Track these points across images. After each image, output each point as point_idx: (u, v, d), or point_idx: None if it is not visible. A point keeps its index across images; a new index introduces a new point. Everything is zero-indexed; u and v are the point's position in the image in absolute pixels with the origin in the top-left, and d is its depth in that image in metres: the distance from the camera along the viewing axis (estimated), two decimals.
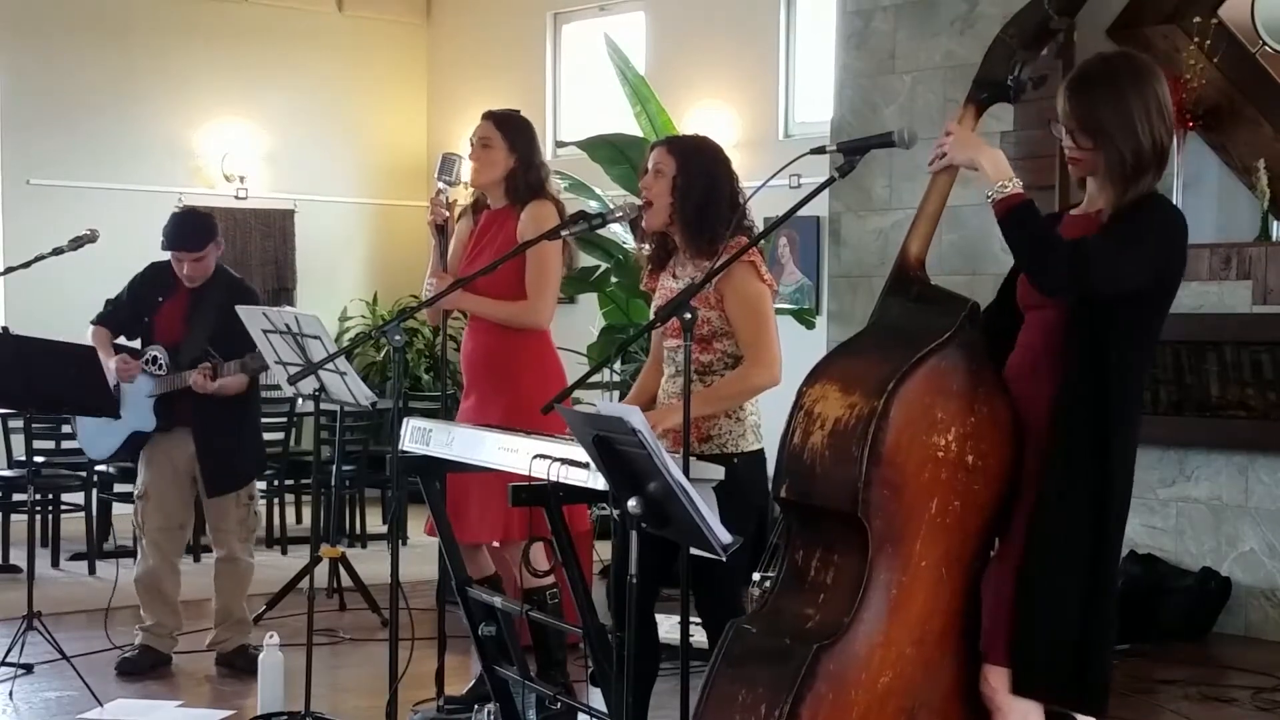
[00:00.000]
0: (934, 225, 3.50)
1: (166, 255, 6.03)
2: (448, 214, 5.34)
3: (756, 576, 3.55)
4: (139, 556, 6.11)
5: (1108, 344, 3.26)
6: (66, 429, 8.36)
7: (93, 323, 6.11)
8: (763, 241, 4.24)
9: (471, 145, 5.31)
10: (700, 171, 4.30)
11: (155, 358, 5.94)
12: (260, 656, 5.38)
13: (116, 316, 6.11)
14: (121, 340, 6.12)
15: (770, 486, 3.57)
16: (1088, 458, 3.26)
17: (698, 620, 4.25)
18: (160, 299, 6.04)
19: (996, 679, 3.31)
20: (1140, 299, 3.29)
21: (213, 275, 6.05)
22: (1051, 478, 3.27)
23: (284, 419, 9.23)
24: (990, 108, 3.55)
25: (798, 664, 3.21)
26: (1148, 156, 3.27)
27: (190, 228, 6.02)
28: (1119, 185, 3.28)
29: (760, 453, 4.29)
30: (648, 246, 4.49)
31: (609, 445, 3.33)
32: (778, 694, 3.22)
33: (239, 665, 6.00)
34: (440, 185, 5.31)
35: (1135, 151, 3.25)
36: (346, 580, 7.18)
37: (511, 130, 5.28)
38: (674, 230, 4.35)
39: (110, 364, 5.91)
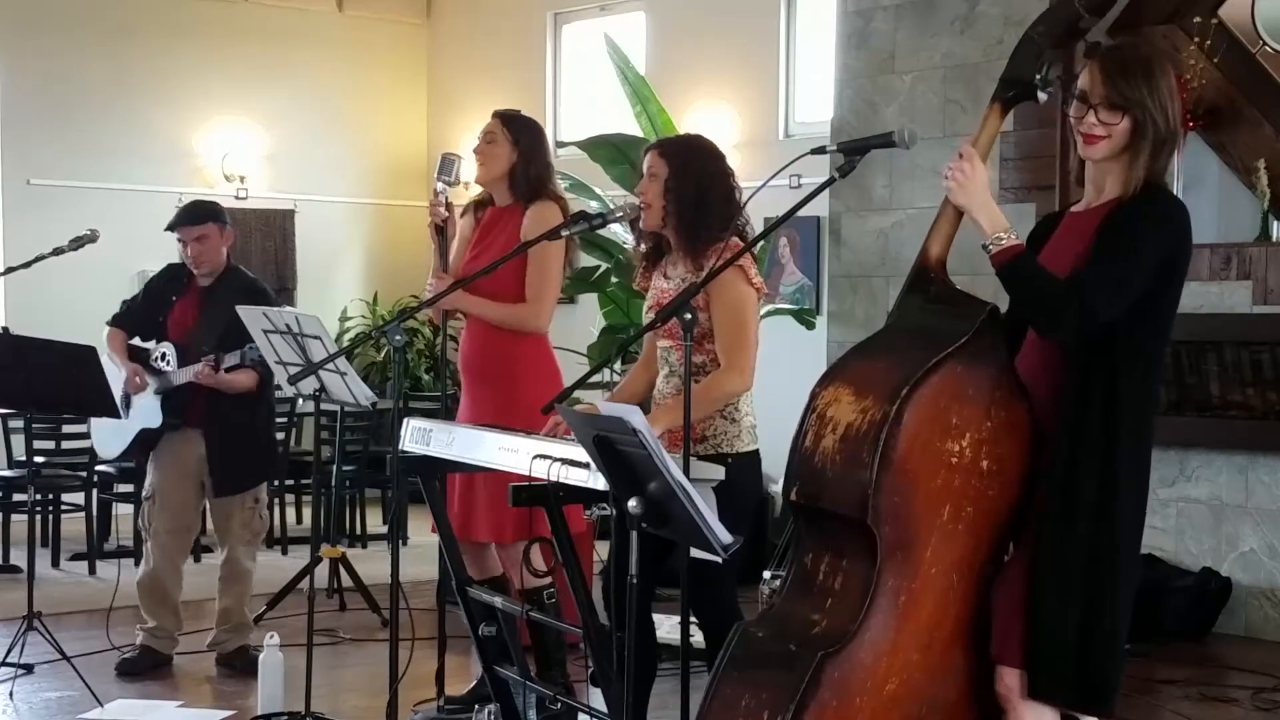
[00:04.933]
0: (955, 226, 3.45)
1: (165, 258, 6.09)
2: (446, 214, 5.33)
3: (767, 575, 3.54)
4: (143, 558, 6.11)
5: (1112, 342, 3.25)
6: (67, 429, 8.37)
7: (109, 324, 6.12)
8: (760, 243, 4.23)
9: (478, 140, 5.30)
10: (692, 171, 4.30)
11: (164, 354, 5.95)
12: (260, 656, 5.38)
13: (132, 317, 6.13)
14: (136, 340, 6.11)
15: (768, 487, 3.56)
16: (1096, 461, 3.24)
17: (697, 621, 4.26)
18: (174, 297, 6.07)
19: (1011, 680, 3.31)
20: (1143, 293, 3.28)
21: (226, 272, 6.07)
22: (1057, 481, 3.26)
23: (284, 419, 9.23)
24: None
25: (802, 671, 3.19)
26: (1172, 136, 3.29)
27: (190, 207, 6.13)
28: (1145, 159, 3.27)
29: (755, 454, 4.29)
30: (642, 246, 4.50)
31: (609, 445, 3.33)
32: (781, 701, 3.20)
33: (239, 665, 6.00)
34: (439, 186, 5.30)
35: (1167, 127, 3.27)
36: (347, 580, 7.18)
37: (516, 127, 5.27)
38: (669, 231, 4.35)
39: (121, 374, 5.92)
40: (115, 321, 6.13)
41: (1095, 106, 3.28)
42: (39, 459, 8.30)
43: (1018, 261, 3.28)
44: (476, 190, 5.49)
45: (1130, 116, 3.26)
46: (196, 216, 6.03)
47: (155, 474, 6.06)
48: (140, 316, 6.13)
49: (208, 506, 6.21)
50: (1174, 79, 3.33)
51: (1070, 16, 3.41)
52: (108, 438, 6.23)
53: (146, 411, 5.95)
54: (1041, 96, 3.41)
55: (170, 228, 6.05)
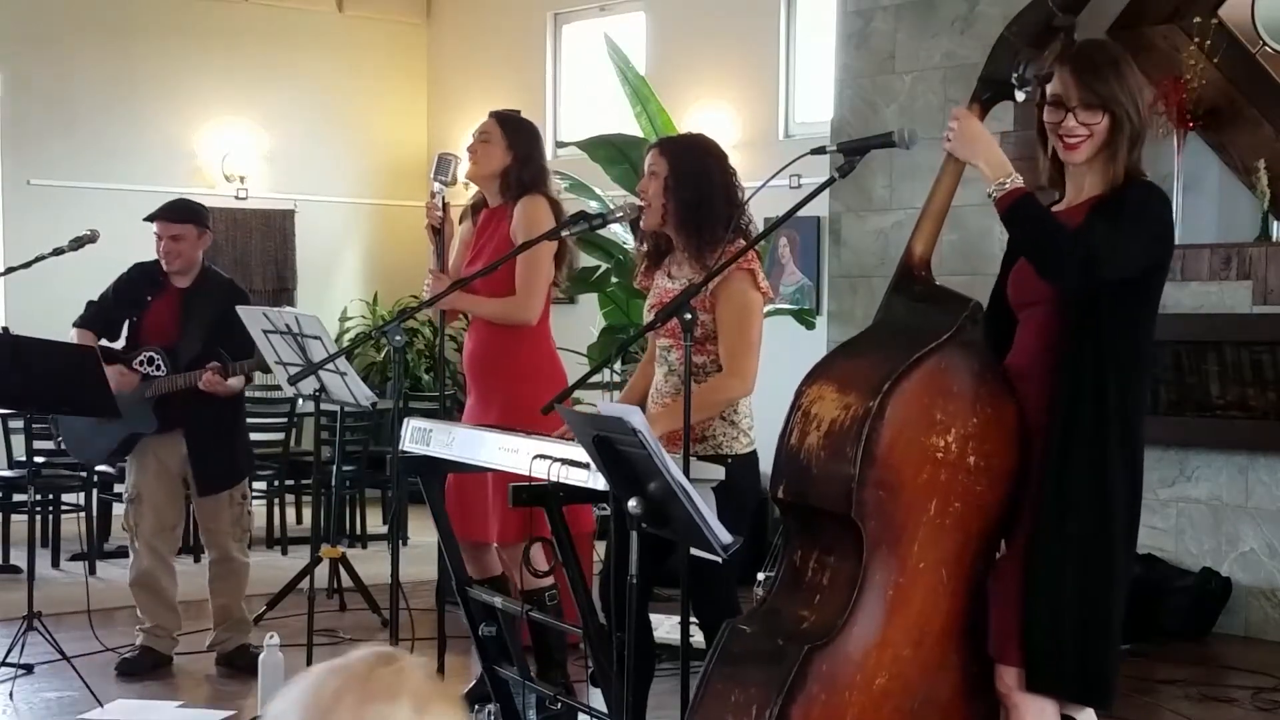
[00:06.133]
0: (939, 224, 3.47)
1: (150, 256, 6.06)
2: (443, 215, 5.33)
3: (761, 576, 3.55)
4: (133, 559, 6.10)
5: (1101, 337, 3.27)
6: None
7: (76, 325, 6.06)
8: (761, 243, 4.22)
9: (472, 139, 5.31)
10: (691, 170, 4.30)
11: (152, 358, 5.92)
12: (260, 657, 5.37)
13: (101, 317, 6.06)
14: (103, 342, 6.06)
15: (766, 487, 3.57)
16: (1086, 456, 3.26)
17: (697, 620, 4.26)
18: (149, 298, 6.02)
19: (1010, 678, 3.31)
20: (1132, 286, 3.31)
21: (202, 275, 6.06)
22: (1049, 477, 3.27)
23: (284, 419, 9.23)
24: (994, 108, 3.54)
25: (789, 665, 3.20)
26: (1145, 128, 3.35)
27: (174, 204, 6.08)
28: (1124, 154, 3.31)
29: (753, 454, 4.29)
30: (645, 245, 4.50)
31: (609, 445, 3.33)
32: (769, 694, 3.21)
33: (239, 665, 5.99)
34: (436, 186, 5.30)
35: (1140, 120, 3.32)
36: (347, 580, 7.17)
37: (512, 128, 5.28)
38: (670, 230, 4.35)
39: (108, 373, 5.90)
40: (83, 323, 6.05)
41: (1074, 109, 3.31)
42: (39, 459, 8.30)
43: (1022, 201, 3.30)
44: (473, 189, 5.49)
45: (1109, 114, 3.29)
46: (177, 214, 5.99)
47: (137, 475, 6.04)
48: (110, 317, 6.06)
49: (194, 507, 6.20)
50: (1140, 75, 3.39)
51: (1044, 15, 3.43)
52: (86, 441, 6.18)
53: (138, 416, 5.92)
54: (1019, 96, 3.44)
55: (150, 218, 6.02)
